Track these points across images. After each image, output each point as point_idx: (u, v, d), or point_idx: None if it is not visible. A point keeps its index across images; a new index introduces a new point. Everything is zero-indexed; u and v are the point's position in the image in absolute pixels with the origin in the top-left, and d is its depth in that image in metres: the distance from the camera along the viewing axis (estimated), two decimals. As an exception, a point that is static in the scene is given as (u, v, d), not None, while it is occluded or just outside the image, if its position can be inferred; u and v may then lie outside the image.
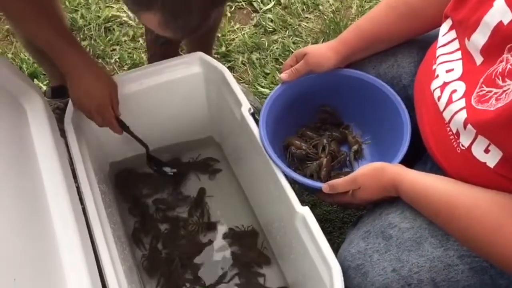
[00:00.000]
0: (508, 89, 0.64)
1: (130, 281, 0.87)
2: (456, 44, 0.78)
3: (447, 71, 0.77)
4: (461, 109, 0.71)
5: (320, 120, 1.08)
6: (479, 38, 0.71)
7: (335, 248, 0.83)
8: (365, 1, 1.74)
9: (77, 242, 0.81)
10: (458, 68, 0.76)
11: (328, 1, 1.73)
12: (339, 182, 0.85)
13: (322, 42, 1.59)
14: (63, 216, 0.83)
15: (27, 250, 0.74)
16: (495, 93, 0.66)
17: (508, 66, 0.65)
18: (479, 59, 0.73)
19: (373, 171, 0.82)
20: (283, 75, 1.00)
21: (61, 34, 0.95)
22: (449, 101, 0.73)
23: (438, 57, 0.80)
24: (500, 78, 0.66)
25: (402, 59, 0.96)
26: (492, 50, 0.70)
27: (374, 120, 1.01)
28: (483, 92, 0.68)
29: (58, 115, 1.15)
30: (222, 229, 1.16)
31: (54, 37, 0.93)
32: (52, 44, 0.94)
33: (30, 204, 0.81)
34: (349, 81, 1.00)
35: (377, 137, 1.03)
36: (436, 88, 0.77)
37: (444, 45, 0.80)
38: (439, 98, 0.76)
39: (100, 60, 1.54)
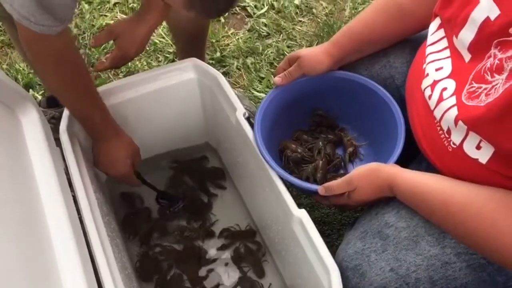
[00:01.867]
0: (497, 84, 0.64)
1: (129, 289, 0.87)
2: (444, 43, 0.79)
3: (437, 70, 0.77)
4: (452, 106, 0.71)
5: (315, 123, 1.09)
6: (467, 34, 0.72)
7: (334, 251, 0.83)
8: (358, 4, 1.74)
9: (74, 251, 0.80)
10: (447, 66, 0.76)
11: (322, 4, 1.74)
12: (335, 184, 0.85)
13: (316, 45, 1.59)
14: (60, 225, 0.83)
15: (24, 260, 0.74)
16: (485, 88, 0.66)
17: (496, 61, 0.66)
18: (467, 56, 0.73)
19: (368, 172, 0.82)
20: (277, 79, 1.00)
21: (97, 106, 0.99)
22: (440, 99, 0.74)
23: (427, 56, 0.80)
24: (489, 73, 0.67)
25: (395, 60, 0.96)
26: (479, 46, 0.70)
27: (368, 122, 1.01)
28: (473, 88, 0.69)
29: (54, 125, 1.16)
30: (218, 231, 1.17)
31: (89, 109, 0.98)
32: (86, 114, 0.99)
33: (26, 214, 0.81)
34: (342, 83, 1.00)
35: (372, 138, 1.03)
36: (426, 87, 0.78)
37: (433, 43, 0.81)
38: (429, 96, 0.76)
39: (95, 69, 1.54)
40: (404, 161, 0.86)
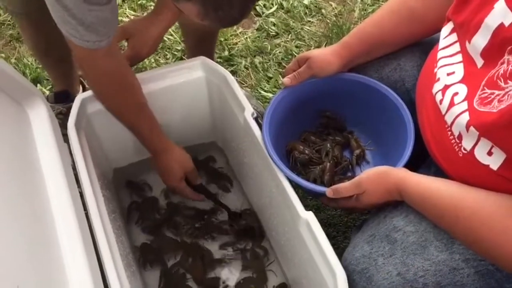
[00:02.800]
0: (510, 90, 0.64)
1: (133, 287, 0.87)
2: (456, 47, 0.78)
3: (448, 74, 0.76)
4: (463, 112, 0.71)
5: (323, 124, 1.08)
6: (480, 40, 0.71)
7: (339, 253, 0.82)
8: (367, 5, 1.74)
9: (80, 247, 0.81)
10: (459, 71, 0.76)
11: (331, 5, 1.73)
12: (343, 187, 0.85)
13: (325, 45, 1.59)
14: (66, 221, 0.83)
15: (31, 256, 0.74)
16: (497, 95, 0.66)
17: (510, 68, 0.65)
18: (479, 62, 0.72)
19: (377, 175, 0.82)
20: (286, 80, 1.00)
21: (145, 120, 1.04)
22: (451, 104, 0.73)
23: (439, 60, 0.80)
24: (502, 80, 0.66)
25: (405, 63, 0.96)
26: (492, 52, 0.69)
27: (378, 124, 1.01)
28: (486, 94, 0.68)
29: (61, 120, 1.16)
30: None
31: (138, 123, 1.03)
32: (136, 128, 1.04)
33: (33, 210, 0.81)
34: (351, 85, 1.00)
35: (381, 141, 1.02)
36: (437, 91, 0.77)
37: (445, 47, 0.80)
38: (440, 101, 0.76)
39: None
40: (413, 165, 0.86)
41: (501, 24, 0.67)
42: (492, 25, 0.69)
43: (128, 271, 0.88)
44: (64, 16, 0.79)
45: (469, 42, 0.74)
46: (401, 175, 0.79)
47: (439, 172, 0.79)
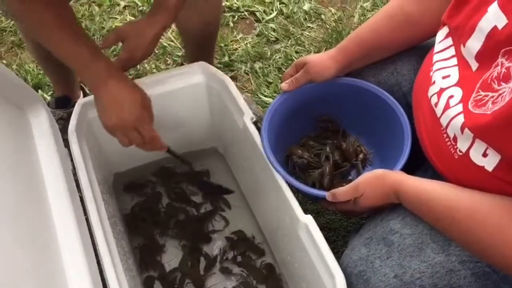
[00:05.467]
0: (504, 92, 0.64)
1: (133, 290, 0.87)
2: (452, 51, 0.79)
3: (444, 77, 0.77)
4: (458, 114, 0.71)
5: (321, 129, 1.09)
6: (474, 43, 0.72)
7: (339, 257, 0.83)
8: (367, 10, 1.75)
9: (81, 252, 0.81)
10: (454, 74, 0.76)
11: (330, 11, 1.74)
12: (342, 190, 0.85)
13: (325, 51, 1.59)
14: (67, 226, 0.84)
15: (31, 260, 0.75)
16: (492, 96, 0.66)
17: (503, 70, 0.66)
18: (474, 65, 0.73)
19: (374, 179, 0.82)
20: (284, 85, 1.01)
21: (84, 43, 0.87)
22: (447, 107, 0.74)
23: (434, 63, 0.81)
24: (496, 82, 0.67)
25: (402, 67, 0.97)
26: (487, 55, 0.70)
27: (375, 128, 1.02)
28: (480, 96, 0.69)
29: (62, 125, 1.17)
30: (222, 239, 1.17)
31: (75, 46, 0.86)
32: (74, 53, 0.87)
33: (34, 214, 0.82)
34: (349, 90, 1.00)
35: (378, 144, 1.03)
36: (433, 94, 0.78)
37: (440, 51, 0.81)
38: (436, 104, 0.77)
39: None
40: (410, 169, 0.86)
41: (495, 27, 0.68)
42: (486, 28, 0.69)
43: (128, 276, 0.89)
44: None
45: (464, 45, 0.74)
46: (398, 178, 0.80)
47: (436, 175, 0.80)
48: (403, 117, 0.93)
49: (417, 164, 0.90)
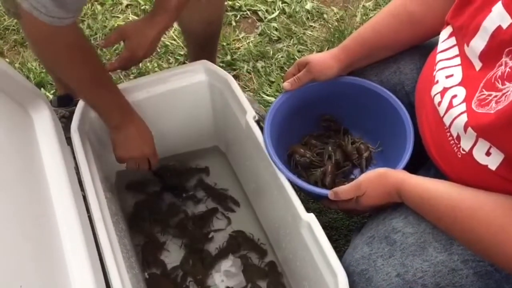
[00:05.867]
0: (508, 91, 0.64)
1: (136, 288, 0.88)
2: (455, 50, 0.79)
3: (447, 77, 0.77)
4: (461, 113, 0.71)
5: (324, 128, 1.09)
6: (478, 43, 0.72)
7: (341, 256, 0.83)
8: (369, 10, 1.75)
9: (84, 250, 0.81)
10: (457, 73, 0.76)
11: (333, 10, 1.74)
12: (343, 189, 0.86)
13: (327, 50, 1.60)
14: (70, 224, 0.83)
15: (34, 258, 0.75)
16: (495, 96, 0.66)
17: (507, 69, 0.66)
18: (478, 65, 0.73)
19: (376, 177, 0.83)
20: (286, 84, 1.01)
21: (113, 93, 0.99)
22: (450, 106, 0.74)
23: (437, 63, 0.81)
24: (500, 81, 0.67)
25: (405, 66, 0.97)
26: (490, 54, 0.70)
27: (378, 127, 1.02)
28: (483, 96, 0.69)
29: (64, 124, 1.17)
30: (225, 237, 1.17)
31: (105, 97, 0.98)
32: (102, 103, 0.99)
33: (36, 212, 0.82)
34: (351, 89, 1.00)
35: (381, 144, 1.03)
36: (436, 94, 0.78)
37: (444, 51, 0.81)
38: (439, 103, 0.77)
39: (106, 70, 1.55)
40: (413, 168, 0.86)
41: (499, 27, 0.68)
42: (490, 28, 0.69)
43: (131, 273, 0.89)
44: None
45: (468, 45, 0.74)
46: (400, 177, 0.80)
47: (439, 174, 0.80)
48: (406, 116, 0.93)
49: (420, 163, 0.90)
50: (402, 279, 0.72)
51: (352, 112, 1.05)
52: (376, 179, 0.82)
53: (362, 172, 1.01)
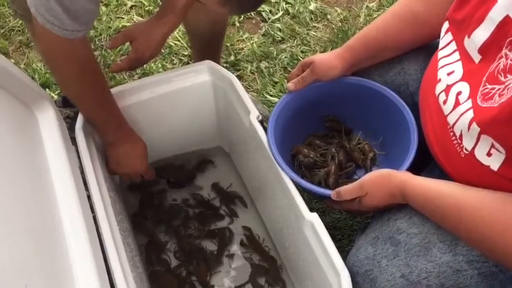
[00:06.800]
0: (510, 84, 0.64)
1: (140, 287, 0.88)
2: (453, 46, 0.79)
3: (448, 74, 0.77)
4: (467, 110, 0.71)
5: (327, 128, 1.09)
6: (481, 34, 0.71)
7: (344, 256, 0.83)
8: (373, 10, 1.74)
9: (88, 248, 0.81)
10: (458, 69, 0.76)
11: (336, 11, 1.74)
12: (346, 189, 0.86)
13: (331, 50, 1.60)
14: (74, 223, 0.84)
15: (39, 257, 0.75)
16: (498, 89, 0.66)
17: (509, 61, 0.66)
18: (477, 58, 0.73)
19: (379, 178, 0.83)
20: (290, 85, 1.01)
21: (113, 112, 1.01)
22: (457, 103, 0.74)
23: (439, 60, 0.81)
24: (502, 74, 0.67)
25: (409, 66, 0.96)
26: (492, 46, 0.70)
27: (381, 128, 1.02)
28: (487, 89, 0.69)
29: (69, 124, 1.17)
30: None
31: (106, 114, 1.00)
32: (102, 119, 1.01)
33: (41, 211, 0.82)
34: (355, 89, 1.00)
35: (384, 144, 1.03)
36: (440, 92, 0.78)
37: (443, 48, 0.81)
38: (444, 101, 0.76)
39: (110, 70, 1.56)
40: (416, 169, 0.86)
41: (507, 17, 0.68)
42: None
43: (135, 272, 0.89)
44: (49, 3, 0.78)
45: (469, 36, 0.74)
46: (403, 178, 0.80)
47: (443, 175, 0.80)
48: (410, 117, 0.93)
49: (424, 164, 0.90)
50: (406, 279, 0.72)
51: (356, 113, 1.05)
52: (379, 180, 0.82)
53: (366, 173, 1.01)
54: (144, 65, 1.54)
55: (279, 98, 1.47)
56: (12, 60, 1.59)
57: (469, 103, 0.72)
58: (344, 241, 1.19)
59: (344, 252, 1.12)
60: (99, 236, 0.87)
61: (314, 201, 1.22)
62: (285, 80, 1.51)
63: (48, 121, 0.95)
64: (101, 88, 0.98)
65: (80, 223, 0.84)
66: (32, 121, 0.93)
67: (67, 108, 1.35)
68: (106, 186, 0.97)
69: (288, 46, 1.63)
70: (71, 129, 1.02)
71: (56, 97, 1.46)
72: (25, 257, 0.70)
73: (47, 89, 1.50)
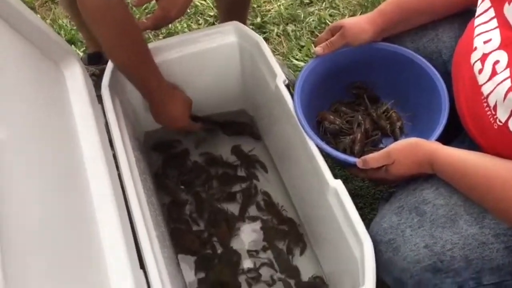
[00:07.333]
0: None
1: (162, 246, 0.89)
2: (491, 13, 0.76)
3: (485, 42, 0.74)
4: (505, 79, 0.69)
5: (354, 95, 1.07)
6: None
7: (366, 224, 0.82)
8: (405, -26, 1.68)
9: (113, 207, 0.83)
10: (495, 37, 0.73)
11: (367, -27, 1.69)
12: (373, 157, 0.84)
13: (360, 15, 1.55)
14: (100, 180, 0.85)
15: (64, 212, 0.76)
16: None
17: None
18: None
19: (408, 147, 0.81)
20: (318, 49, 0.98)
21: (153, 72, 1.01)
22: (493, 73, 0.71)
23: (475, 28, 0.78)
24: None
25: (443, 34, 0.93)
26: None
27: (411, 96, 0.99)
28: None
29: (94, 82, 1.17)
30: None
31: (145, 74, 1.00)
32: (142, 80, 1.01)
33: (69, 168, 0.83)
34: (386, 55, 0.98)
35: (414, 114, 1.00)
36: (476, 61, 0.75)
37: (480, 15, 0.78)
38: (480, 71, 0.74)
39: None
40: (446, 140, 0.84)
41: None
42: None
43: (158, 231, 0.90)
44: None
45: (510, 3, 0.71)
46: (432, 147, 0.78)
47: (473, 146, 0.78)
48: (441, 86, 0.90)
49: (453, 136, 0.88)
50: (430, 250, 0.72)
51: (384, 80, 1.03)
52: (407, 148, 0.81)
53: (395, 141, 0.99)
54: (170, 25, 1.52)
55: (305, 63, 1.45)
56: (38, 15, 1.59)
57: (506, 73, 0.69)
58: (366, 209, 1.18)
59: (365, 220, 1.10)
60: (124, 194, 0.87)
61: (337, 168, 1.21)
62: (312, 44, 1.48)
63: (75, 78, 0.95)
64: (142, 45, 0.98)
65: (106, 181, 0.85)
66: (59, 77, 0.94)
67: (93, 66, 1.35)
68: (131, 145, 0.97)
69: (316, 9, 1.59)
70: (96, 87, 1.02)
71: (81, 54, 1.46)
72: (52, 215, 0.71)
73: (72, 46, 1.50)
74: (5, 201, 0.58)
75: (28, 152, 0.73)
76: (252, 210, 1.16)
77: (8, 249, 0.55)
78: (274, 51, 1.50)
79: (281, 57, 1.49)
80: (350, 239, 0.83)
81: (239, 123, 1.27)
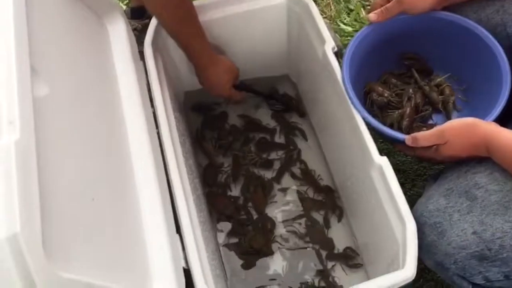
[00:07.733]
0: None
1: (199, 209, 0.88)
2: None
3: None
4: None
5: (406, 66, 1.01)
6: None
7: (406, 200, 0.79)
8: None
9: (151, 165, 0.82)
10: None
11: None
12: (424, 135, 0.80)
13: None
14: (139, 138, 0.84)
15: (105, 171, 0.76)
16: None
17: None
18: None
19: (463, 127, 0.76)
20: (372, 15, 0.93)
21: (197, 35, 1.00)
22: None
23: None
24: None
25: (510, 5, 0.87)
26: None
27: (469, 71, 0.94)
28: None
29: (136, 37, 1.15)
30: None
31: (190, 37, 0.99)
32: (186, 42, 1.00)
33: (108, 124, 0.82)
34: (444, 26, 0.92)
35: (469, 90, 0.95)
36: None
37: None
38: None
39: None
40: (503, 119, 0.79)
41: None
42: None
43: (195, 195, 0.89)
44: None
45: None
46: (490, 129, 0.73)
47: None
48: (503, 61, 0.85)
49: (510, 116, 0.83)
50: (479, 237, 0.69)
51: (440, 52, 0.97)
52: (462, 129, 0.76)
53: (448, 118, 0.94)
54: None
55: (353, 28, 1.38)
56: (82, -34, 1.56)
57: None
58: (407, 185, 1.15)
59: (406, 195, 1.08)
60: (163, 157, 0.86)
61: (379, 141, 1.17)
62: (362, 9, 1.41)
63: (118, 32, 0.93)
64: (187, 10, 0.97)
65: (145, 139, 0.84)
66: (103, 32, 0.91)
67: (135, 20, 1.33)
68: (171, 106, 0.96)
69: (369, -29, 1.51)
70: (138, 42, 1.00)
71: (124, 7, 1.44)
72: (92, 172, 0.70)
73: (116, -1, 1.47)
74: (47, 158, 0.58)
75: (70, 108, 0.72)
76: (288, 179, 1.14)
77: (49, 204, 0.55)
78: (321, 13, 1.42)
79: (328, 21, 1.43)
80: (392, 218, 0.80)
81: (286, 98, 1.23)
